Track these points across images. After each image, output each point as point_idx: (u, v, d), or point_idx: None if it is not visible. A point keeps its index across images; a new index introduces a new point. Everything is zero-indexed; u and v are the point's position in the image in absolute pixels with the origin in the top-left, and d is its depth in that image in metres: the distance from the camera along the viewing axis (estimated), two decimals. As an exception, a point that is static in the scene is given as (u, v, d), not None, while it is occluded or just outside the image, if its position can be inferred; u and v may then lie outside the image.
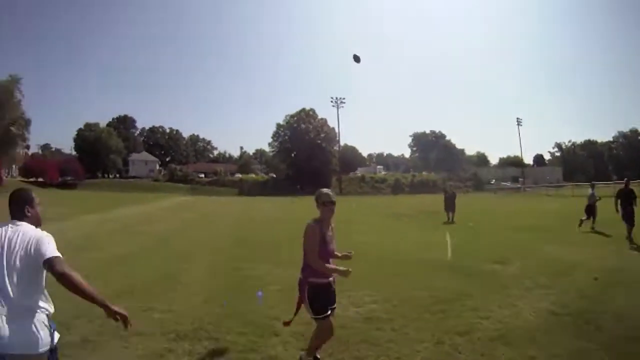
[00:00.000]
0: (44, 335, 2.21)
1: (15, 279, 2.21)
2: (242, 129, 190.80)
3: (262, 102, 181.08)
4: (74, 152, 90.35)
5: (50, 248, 2.28)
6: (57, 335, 2.34)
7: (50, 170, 64.98)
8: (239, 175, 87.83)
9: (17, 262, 2.24)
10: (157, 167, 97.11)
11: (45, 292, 2.35)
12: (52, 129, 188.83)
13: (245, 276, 7.35)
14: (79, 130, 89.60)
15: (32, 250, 2.27)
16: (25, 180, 63.18)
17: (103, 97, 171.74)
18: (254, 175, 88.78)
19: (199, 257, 9.54)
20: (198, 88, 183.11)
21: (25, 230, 2.36)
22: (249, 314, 5.12)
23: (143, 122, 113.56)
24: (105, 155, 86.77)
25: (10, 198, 2.57)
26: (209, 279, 7.28)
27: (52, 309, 2.35)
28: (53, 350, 2.30)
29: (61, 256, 2.26)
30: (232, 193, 66.66)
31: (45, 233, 2.40)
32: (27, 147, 77.61)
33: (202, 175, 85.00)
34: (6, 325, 2.09)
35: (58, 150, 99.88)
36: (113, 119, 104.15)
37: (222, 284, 6.81)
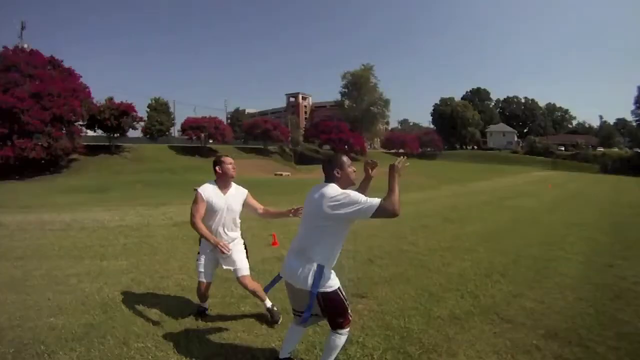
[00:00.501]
0: (307, 276, 3.05)
1: (304, 226, 3.22)
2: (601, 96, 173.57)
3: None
4: (432, 126, 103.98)
5: (329, 205, 2.96)
6: (326, 283, 3.08)
7: (410, 142, 77.06)
8: (601, 149, 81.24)
9: (307, 214, 3.22)
10: (515, 138, 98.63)
11: (327, 242, 3.09)
12: (411, 106, 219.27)
13: (618, 276, 6.33)
14: (435, 105, 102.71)
15: (318, 205, 3.02)
16: (386, 151, 77.72)
17: (455, 72, 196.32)
18: (617, 150, 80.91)
19: (569, 244, 8.88)
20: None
21: (324, 189, 3.07)
22: (624, 326, 4.50)
23: (497, 93, 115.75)
24: (462, 127, 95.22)
25: (323, 162, 3.36)
26: (582, 272, 6.67)
27: (328, 260, 3.11)
28: (315, 293, 3.05)
29: (328, 211, 2.95)
30: (592, 170, 61.76)
31: (339, 192, 3.03)
32: (387, 123, 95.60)
33: (562, 148, 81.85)
34: (290, 260, 3.19)
35: (416, 125, 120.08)
36: (467, 92, 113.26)
37: (595, 281, 6.15)
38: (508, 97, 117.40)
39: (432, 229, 10.04)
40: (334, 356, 3.29)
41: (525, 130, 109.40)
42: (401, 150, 76.09)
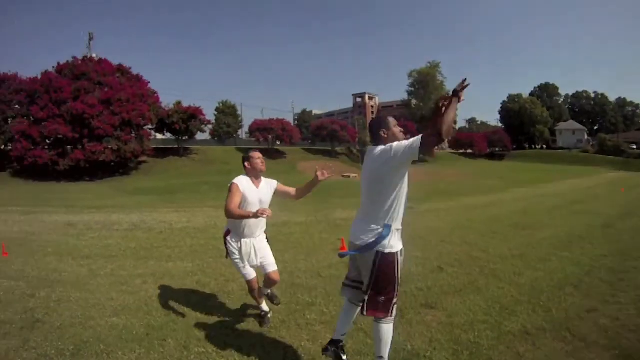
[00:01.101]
0: (370, 236, 3.12)
1: (364, 194, 3.30)
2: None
3: None
4: (500, 125, 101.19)
5: (380, 161, 3.06)
6: (387, 243, 3.12)
7: (478, 142, 75.60)
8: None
9: (365, 180, 3.28)
10: (585, 136, 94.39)
11: (389, 201, 3.12)
12: (479, 103, 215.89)
13: None
14: (503, 102, 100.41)
15: (372, 168, 3.16)
16: (454, 151, 77.88)
17: (524, 69, 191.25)
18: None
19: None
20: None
21: (372, 152, 3.18)
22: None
23: (566, 88, 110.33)
24: (530, 125, 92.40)
25: (369, 125, 3.46)
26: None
27: (391, 220, 3.15)
28: (377, 252, 3.12)
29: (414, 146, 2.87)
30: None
31: (385, 147, 3.08)
32: (455, 122, 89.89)
33: (634, 147, 77.57)
34: (355, 224, 3.32)
35: (484, 124, 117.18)
36: (535, 87, 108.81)
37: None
38: (577, 92, 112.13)
39: (502, 235, 9.66)
40: (387, 346, 3.20)
41: (595, 128, 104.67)
42: (469, 151, 76.09)
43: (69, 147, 31.37)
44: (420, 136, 2.88)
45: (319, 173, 4.31)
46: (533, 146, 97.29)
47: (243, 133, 58.15)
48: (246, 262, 4.41)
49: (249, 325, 4.49)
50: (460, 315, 4.71)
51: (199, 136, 46.39)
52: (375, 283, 3.14)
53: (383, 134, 3.20)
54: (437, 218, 12.07)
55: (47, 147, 31.08)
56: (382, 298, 3.13)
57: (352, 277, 3.46)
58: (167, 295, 5.40)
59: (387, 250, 3.12)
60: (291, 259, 7.16)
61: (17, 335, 4.21)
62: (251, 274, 4.43)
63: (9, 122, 32.28)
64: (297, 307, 4.98)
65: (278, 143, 52.10)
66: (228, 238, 4.46)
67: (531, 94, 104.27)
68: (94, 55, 38.99)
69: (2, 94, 32.20)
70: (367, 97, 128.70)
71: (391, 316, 3.17)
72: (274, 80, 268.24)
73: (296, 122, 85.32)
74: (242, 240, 4.40)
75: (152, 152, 36.56)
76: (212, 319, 4.62)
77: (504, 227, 10.64)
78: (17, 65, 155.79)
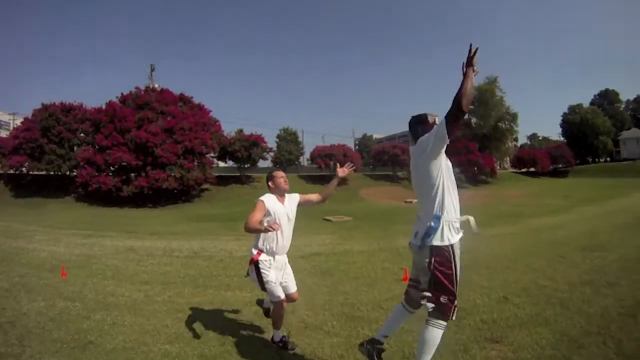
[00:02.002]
0: (424, 231, 3.21)
1: (418, 195, 3.48)
2: None
3: None
4: (561, 139, 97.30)
5: (420, 155, 3.37)
6: (440, 235, 3.18)
7: (540, 159, 72.87)
8: None
9: (415, 181, 3.53)
10: None
11: (437, 193, 3.26)
12: (539, 119, 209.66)
13: None
14: (564, 114, 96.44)
15: (416, 165, 3.47)
16: (517, 171, 75.71)
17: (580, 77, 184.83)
18: None
19: None
20: None
21: (414, 149, 3.50)
22: None
23: (627, 93, 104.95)
24: (593, 137, 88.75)
25: (408, 126, 3.73)
26: None
27: (442, 210, 3.24)
28: (430, 247, 3.19)
29: None
30: None
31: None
32: (516, 139, 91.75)
33: None
34: (414, 226, 3.42)
35: (545, 139, 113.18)
36: (595, 96, 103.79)
37: None
38: (638, 96, 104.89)
39: (570, 260, 9.16)
40: (429, 354, 3.18)
41: None
42: (532, 169, 73.51)
43: (132, 174, 32.42)
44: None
45: (339, 170, 4.96)
46: (597, 159, 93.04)
47: (304, 160, 58.61)
48: (278, 282, 4.52)
49: (306, 358, 4.34)
50: (526, 350, 4.49)
51: (261, 163, 46.97)
52: (434, 282, 3.18)
53: (422, 130, 3.40)
54: (501, 243, 11.60)
55: (111, 173, 32.26)
56: (445, 298, 3.16)
57: (413, 277, 3.56)
58: (223, 325, 5.32)
59: (439, 243, 3.17)
60: (352, 291, 6.94)
61: (68, 354, 4.29)
62: (282, 294, 4.51)
63: (75, 149, 33.87)
64: (357, 340, 4.71)
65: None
66: (261, 258, 4.49)
67: (591, 103, 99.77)
68: (156, 85, 40.63)
69: (68, 122, 33.81)
70: (428, 117, 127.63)
71: (448, 319, 3.19)
72: (334, 106, 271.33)
73: (357, 147, 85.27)
74: (276, 256, 4.59)
75: (214, 180, 37.24)
76: (268, 353, 4.51)
77: (571, 251, 10.14)
78: (82, 96, 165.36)
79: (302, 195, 5.00)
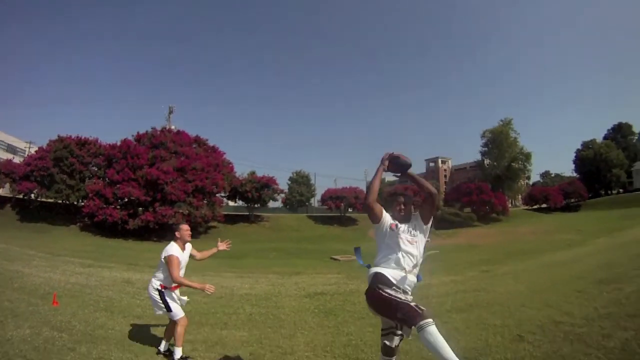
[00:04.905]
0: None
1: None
2: None
3: None
4: (574, 174, 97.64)
5: None
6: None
7: (553, 195, 73.19)
8: None
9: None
10: None
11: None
12: (552, 156, 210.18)
13: None
14: (577, 150, 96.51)
15: None
16: (529, 208, 76.27)
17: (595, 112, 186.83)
18: None
19: None
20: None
21: None
22: None
23: None
24: (606, 171, 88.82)
25: None
26: None
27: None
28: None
29: None
30: None
31: None
32: (528, 177, 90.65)
33: None
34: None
35: (558, 175, 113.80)
36: (608, 130, 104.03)
37: None
38: None
39: (587, 294, 8.81)
40: (445, 348, 3.18)
41: None
42: (544, 205, 73.48)
43: (140, 208, 32.50)
44: None
45: (219, 244, 6.09)
46: (609, 192, 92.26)
47: (315, 201, 58.95)
48: (175, 303, 5.51)
49: None
50: None
51: (271, 204, 47.66)
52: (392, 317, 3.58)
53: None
54: (515, 280, 11.32)
55: (119, 207, 32.43)
56: (399, 313, 3.42)
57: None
58: (216, 365, 4.94)
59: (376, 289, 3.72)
60: (357, 331, 6.55)
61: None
62: (182, 312, 5.53)
63: (85, 181, 34.32)
64: None
65: (350, 210, 52.28)
66: (166, 291, 5.47)
67: (605, 137, 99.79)
68: (172, 127, 41.52)
69: (82, 155, 34.37)
70: (439, 161, 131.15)
71: (426, 317, 3.27)
72: (347, 150, 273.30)
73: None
74: (177, 291, 5.60)
75: (222, 219, 37.29)
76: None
77: (587, 285, 9.80)
78: (98, 132, 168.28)
79: (193, 249, 5.92)
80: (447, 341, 3.17)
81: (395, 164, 3.82)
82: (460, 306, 8.44)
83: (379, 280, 3.71)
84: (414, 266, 3.84)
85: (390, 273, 3.74)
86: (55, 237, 27.31)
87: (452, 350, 3.16)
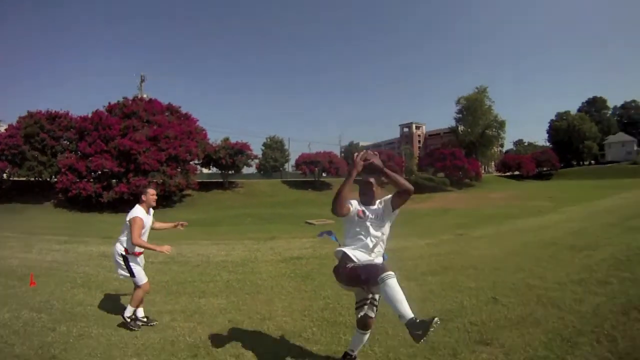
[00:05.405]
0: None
1: None
2: None
3: None
4: (547, 144, 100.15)
5: None
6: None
7: (525, 163, 75.37)
8: None
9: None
10: (635, 147, 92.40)
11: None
12: (526, 125, 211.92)
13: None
14: (551, 121, 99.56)
15: None
16: (501, 174, 78.80)
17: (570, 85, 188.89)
18: None
19: None
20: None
21: None
22: None
23: (615, 99, 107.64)
24: (579, 142, 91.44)
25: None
26: None
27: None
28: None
29: None
30: None
31: None
32: (501, 145, 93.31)
33: None
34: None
35: (531, 144, 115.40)
36: (583, 103, 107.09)
37: None
38: (626, 103, 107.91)
39: (559, 260, 9.10)
40: (403, 304, 3.26)
41: None
42: (516, 173, 75.33)
43: (114, 180, 32.10)
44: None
45: (177, 224, 6.24)
46: (581, 163, 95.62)
47: (289, 167, 58.79)
48: (139, 268, 5.64)
49: None
50: (518, 352, 4.39)
51: (245, 170, 47.28)
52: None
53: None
54: (489, 244, 11.55)
55: (92, 180, 31.86)
56: (363, 275, 3.52)
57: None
58: (196, 335, 5.05)
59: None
60: (333, 295, 6.63)
61: (29, 372, 4.01)
62: (145, 278, 5.66)
63: (58, 156, 33.44)
64: (339, 348, 4.56)
65: (324, 175, 52.48)
66: (129, 255, 5.57)
67: (579, 110, 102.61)
68: (144, 95, 40.54)
69: (52, 130, 33.60)
70: (413, 126, 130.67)
71: (387, 270, 3.36)
72: (321, 115, 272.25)
73: (342, 154, 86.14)
74: (141, 256, 5.76)
75: (197, 186, 37.05)
76: (243, 360, 4.23)
77: (559, 250, 10.10)
78: (69, 104, 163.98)
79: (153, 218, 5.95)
80: (421, 303, 3.25)
81: (369, 167, 3.73)
82: (435, 269, 8.60)
83: (347, 258, 3.78)
84: (380, 248, 3.91)
85: (358, 255, 3.79)
86: (29, 216, 26.86)
87: (420, 310, 3.26)
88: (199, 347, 4.63)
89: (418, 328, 3.09)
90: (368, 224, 3.85)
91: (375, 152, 3.73)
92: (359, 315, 3.93)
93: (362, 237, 3.84)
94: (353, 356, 4.11)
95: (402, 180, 3.82)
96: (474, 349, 4.40)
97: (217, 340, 4.85)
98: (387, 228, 3.95)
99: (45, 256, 11.01)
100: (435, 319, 3.08)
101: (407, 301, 3.23)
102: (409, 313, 3.21)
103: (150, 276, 8.29)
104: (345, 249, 3.84)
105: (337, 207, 3.72)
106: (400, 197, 3.88)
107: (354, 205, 3.91)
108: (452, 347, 4.46)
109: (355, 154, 3.61)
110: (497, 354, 4.32)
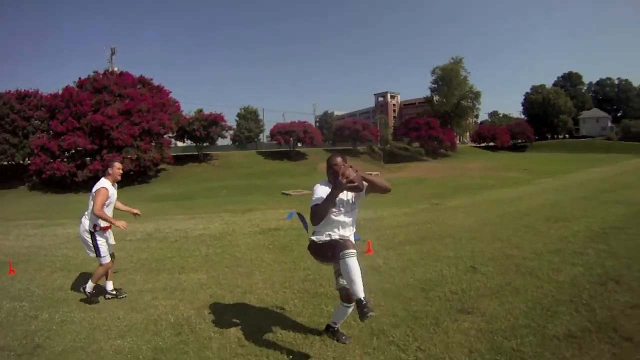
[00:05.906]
0: None
1: None
2: None
3: None
4: (522, 116, 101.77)
5: None
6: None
7: (500, 134, 76.32)
8: None
9: None
10: (609, 124, 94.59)
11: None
12: (501, 97, 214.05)
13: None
14: (526, 93, 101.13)
15: None
16: (476, 145, 78.99)
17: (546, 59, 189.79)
18: None
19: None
20: None
21: None
22: None
23: (590, 76, 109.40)
24: (553, 116, 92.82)
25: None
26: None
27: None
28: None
29: None
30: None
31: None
32: (476, 116, 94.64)
33: None
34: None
35: (506, 116, 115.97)
36: (558, 77, 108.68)
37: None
38: (601, 80, 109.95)
39: (535, 230, 9.24)
40: (354, 284, 3.43)
41: (619, 115, 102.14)
42: (491, 144, 76.09)
43: (87, 158, 31.59)
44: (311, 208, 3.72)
45: (132, 212, 6.16)
46: (556, 136, 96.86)
47: (264, 137, 58.54)
48: (105, 245, 5.73)
49: (269, 342, 4.11)
50: (499, 320, 4.45)
51: (220, 142, 47.05)
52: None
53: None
54: (465, 214, 11.68)
55: (65, 159, 31.34)
56: (330, 252, 3.66)
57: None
58: (178, 312, 5.04)
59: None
60: (313, 266, 6.57)
61: (15, 363, 3.96)
62: (109, 256, 5.81)
63: (29, 137, 32.65)
64: (321, 319, 4.59)
65: (299, 145, 52.32)
66: (98, 232, 5.63)
67: (555, 84, 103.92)
68: (115, 69, 39.84)
69: (22, 110, 32.78)
70: (388, 95, 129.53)
71: (349, 248, 3.50)
72: (295, 84, 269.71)
73: (317, 124, 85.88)
74: (109, 231, 5.87)
75: (171, 160, 36.76)
76: (227, 338, 4.26)
77: (535, 221, 10.25)
78: (39, 82, 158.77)
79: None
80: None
81: (353, 188, 3.67)
82: (413, 238, 8.71)
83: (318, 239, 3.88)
84: (351, 232, 3.94)
85: (331, 234, 3.85)
86: (4, 201, 26.35)
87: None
88: (182, 324, 4.62)
89: (363, 309, 3.34)
90: (339, 210, 3.85)
91: (357, 169, 3.70)
92: (337, 287, 3.98)
93: (333, 224, 3.86)
94: (336, 328, 4.15)
95: (383, 184, 3.87)
96: (456, 318, 4.46)
97: (200, 317, 4.85)
98: (356, 211, 4.01)
99: (23, 242, 10.72)
100: (371, 313, 3.36)
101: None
102: (360, 293, 3.41)
103: (129, 254, 8.37)
104: (318, 234, 3.93)
105: (318, 222, 3.74)
106: (376, 191, 3.90)
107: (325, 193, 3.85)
108: (434, 316, 4.52)
109: (340, 177, 3.45)
110: (479, 322, 4.39)
